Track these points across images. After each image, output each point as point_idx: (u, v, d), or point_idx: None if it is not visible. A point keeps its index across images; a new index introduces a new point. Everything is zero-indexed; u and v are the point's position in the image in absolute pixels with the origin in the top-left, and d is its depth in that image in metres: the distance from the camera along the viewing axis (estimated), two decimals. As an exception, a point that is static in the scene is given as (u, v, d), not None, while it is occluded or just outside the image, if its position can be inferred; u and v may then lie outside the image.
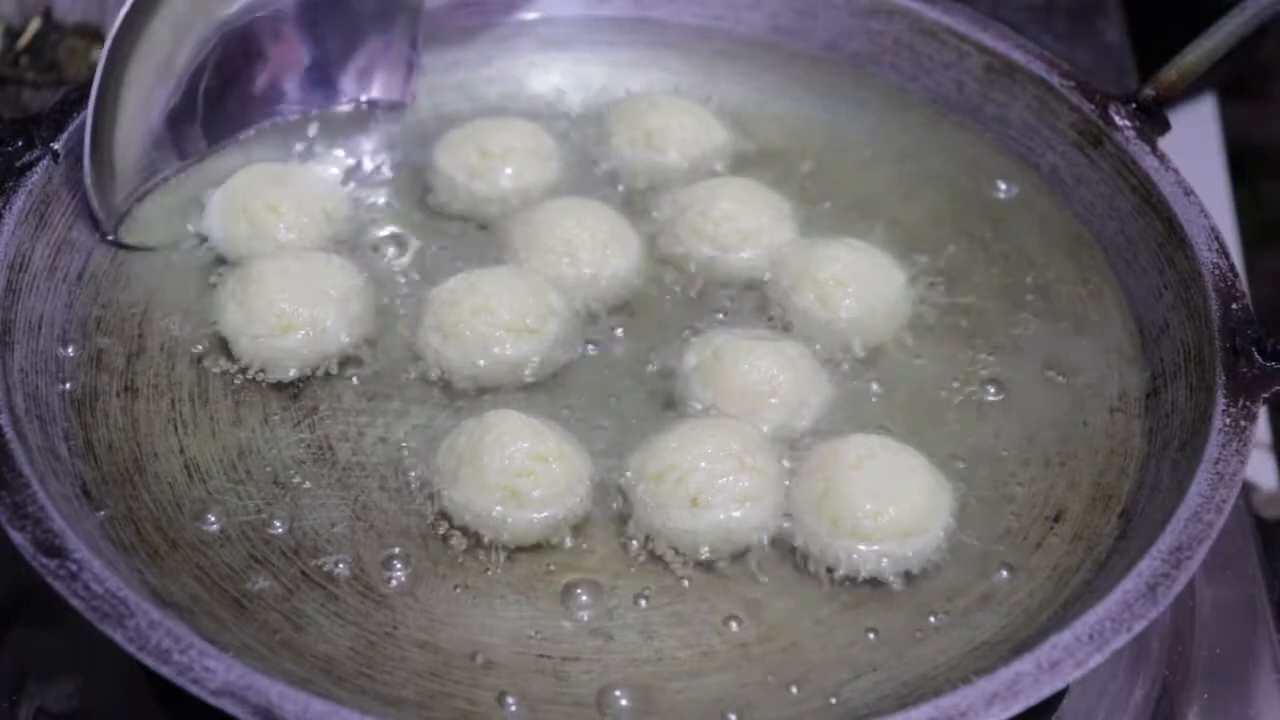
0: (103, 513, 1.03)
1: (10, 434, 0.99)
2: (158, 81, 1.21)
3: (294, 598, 1.00)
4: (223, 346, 1.15)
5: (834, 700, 0.97)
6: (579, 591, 1.02)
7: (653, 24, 1.44)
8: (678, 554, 1.04)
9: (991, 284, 1.25)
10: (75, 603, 0.89)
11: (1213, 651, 1.15)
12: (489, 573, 1.03)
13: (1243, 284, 1.14)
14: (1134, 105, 1.27)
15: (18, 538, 0.92)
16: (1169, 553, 0.95)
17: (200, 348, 1.15)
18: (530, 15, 1.44)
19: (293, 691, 0.86)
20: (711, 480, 1.04)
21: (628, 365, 1.17)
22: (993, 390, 1.16)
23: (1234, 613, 1.19)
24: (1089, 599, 0.96)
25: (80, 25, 1.65)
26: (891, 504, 1.03)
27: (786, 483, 1.07)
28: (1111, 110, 1.27)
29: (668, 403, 1.14)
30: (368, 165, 1.32)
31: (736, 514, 1.04)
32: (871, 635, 1.00)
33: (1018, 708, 0.88)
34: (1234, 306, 1.11)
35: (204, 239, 1.23)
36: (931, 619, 1.01)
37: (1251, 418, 1.03)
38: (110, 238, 1.20)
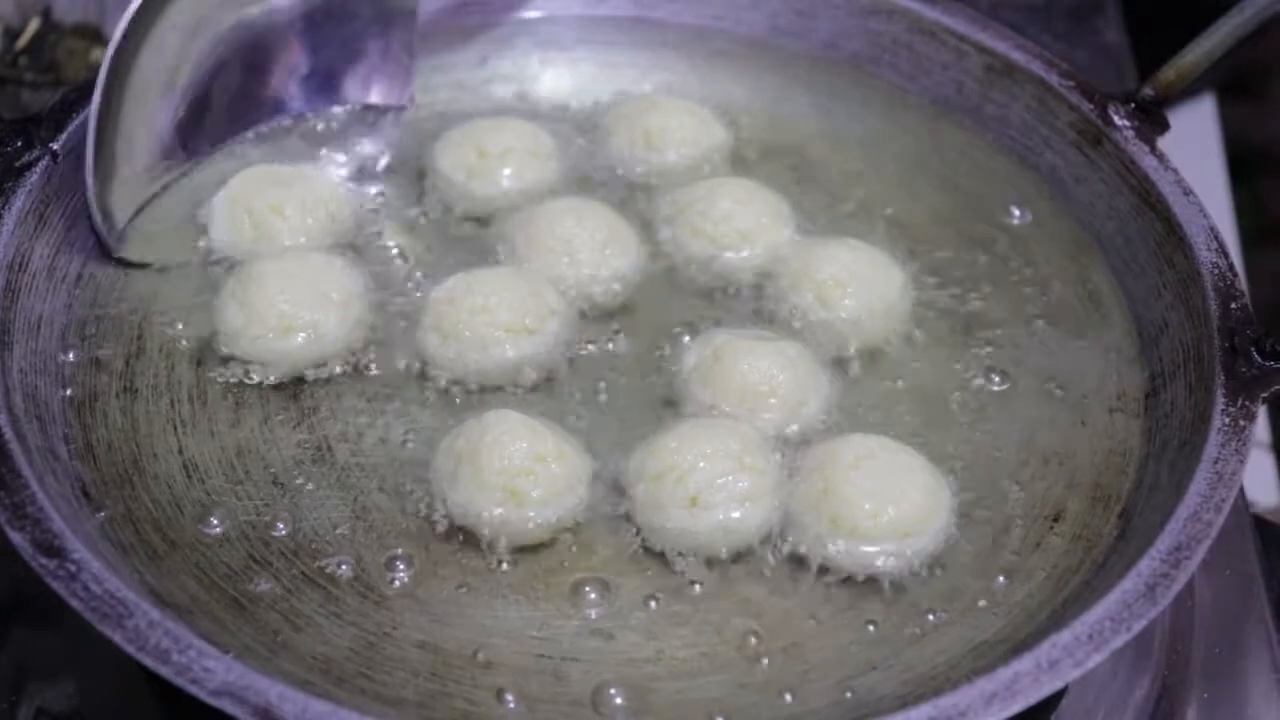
0: (102, 513, 1.03)
1: (9, 434, 0.99)
2: (160, 91, 1.21)
3: (293, 598, 1.00)
4: (222, 347, 1.15)
5: (833, 700, 0.97)
6: (578, 592, 1.02)
7: (652, 24, 1.45)
8: (677, 554, 1.04)
9: (990, 284, 1.25)
10: (74, 603, 0.89)
11: (1212, 651, 1.15)
12: (488, 573, 1.03)
13: (1242, 284, 1.14)
14: (1133, 105, 1.27)
15: (17, 538, 0.92)
16: (1168, 552, 0.95)
17: (200, 349, 1.15)
18: (530, 15, 1.44)
19: (292, 692, 0.86)
20: (711, 480, 1.04)
21: (627, 365, 1.17)
22: (991, 390, 1.16)
23: (1233, 612, 1.18)
24: (1088, 599, 0.96)
25: (79, 25, 1.65)
26: (890, 504, 1.03)
27: (786, 483, 1.07)
28: (1111, 110, 1.27)
29: (667, 403, 1.14)
30: (367, 166, 1.32)
31: (736, 514, 1.04)
32: (871, 635, 1.00)
33: (1017, 707, 0.88)
34: (1233, 306, 1.11)
35: (208, 254, 1.22)
36: (930, 618, 1.01)
37: (1251, 417, 1.03)
38: (115, 255, 1.19)
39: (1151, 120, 1.26)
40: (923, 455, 1.08)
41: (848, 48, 1.41)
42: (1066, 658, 0.90)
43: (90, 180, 1.16)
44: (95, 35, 1.65)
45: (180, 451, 1.09)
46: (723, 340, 1.15)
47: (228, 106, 1.28)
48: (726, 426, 1.08)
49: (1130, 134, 1.25)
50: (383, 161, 1.33)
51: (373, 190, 1.30)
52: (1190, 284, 1.15)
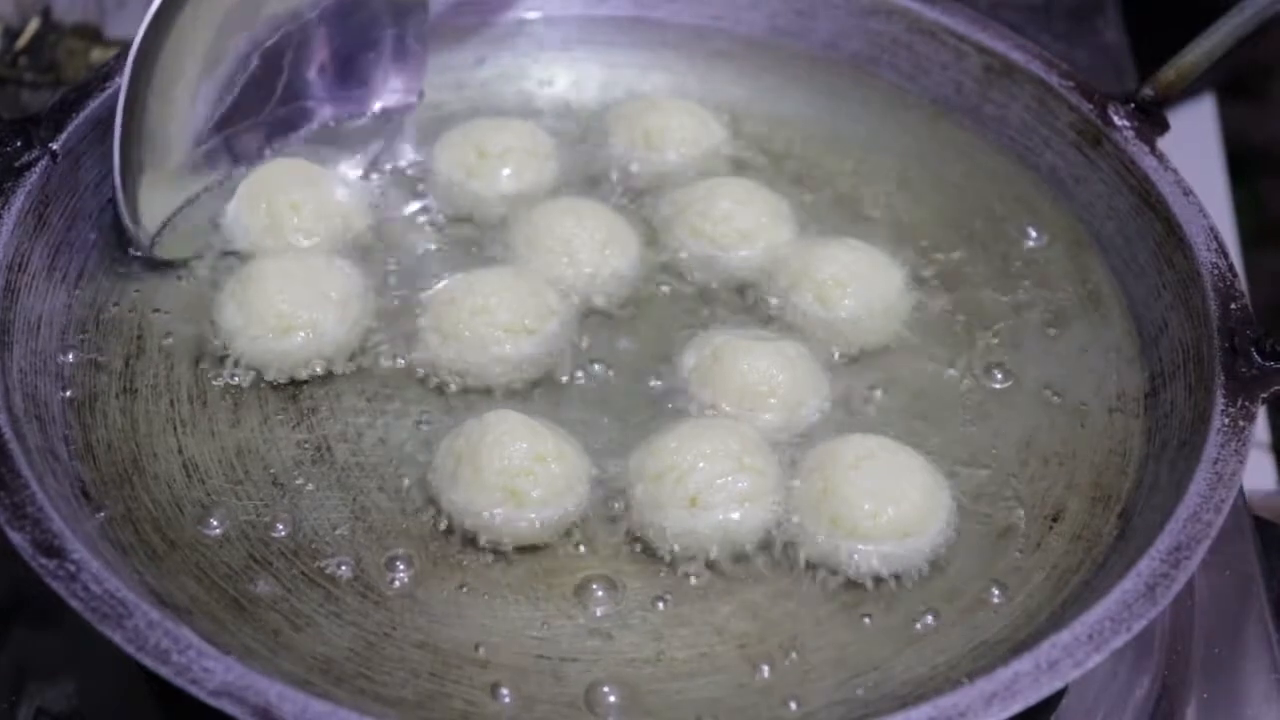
0: (102, 513, 1.03)
1: (9, 434, 0.98)
2: (183, 89, 1.21)
3: (293, 598, 1.00)
4: (222, 347, 1.15)
5: (833, 700, 0.97)
6: (578, 592, 1.02)
7: (652, 24, 1.45)
8: (676, 554, 1.04)
9: (990, 284, 1.25)
10: (74, 603, 0.89)
11: (1211, 651, 1.15)
12: (488, 573, 1.03)
13: (1241, 284, 1.14)
14: (1133, 105, 1.27)
15: (17, 538, 0.92)
16: (1168, 552, 0.95)
17: (199, 349, 1.15)
18: (530, 15, 1.44)
19: (291, 692, 0.86)
20: (710, 480, 1.04)
21: (627, 365, 1.17)
22: (991, 389, 1.16)
23: (1233, 612, 1.18)
24: (1088, 599, 0.96)
25: (79, 26, 1.65)
26: (890, 504, 1.03)
27: (785, 483, 1.07)
28: (1110, 110, 1.27)
29: (667, 403, 1.14)
30: (366, 166, 1.32)
31: (735, 514, 1.04)
32: (870, 635, 1.00)
33: (1017, 707, 0.88)
34: (1233, 306, 1.11)
35: (222, 242, 1.23)
36: (930, 619, 1.01)
37: (1250, 417, 1.03)
38: (145, 254, 1.19)
39: (1151, 120, 1.26)
40: (922, 455, 1.08)
41: (848, 48, 1.41)
42: (1066, 658, 0.90)
43: (119, 178, 1.15)
44: (95, 35, 1.65)
45: (180, 451, 1.09)
46: (722, 340, 1.15)
47: (254, 105, 1.27)
48: (726, 426, 1.08)
49: (1130, 134, 1.25)
50: (381, 161, 1.32)
51: (371, 190, 1.30)
52: (1190, 284, 1.15)
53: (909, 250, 1.27)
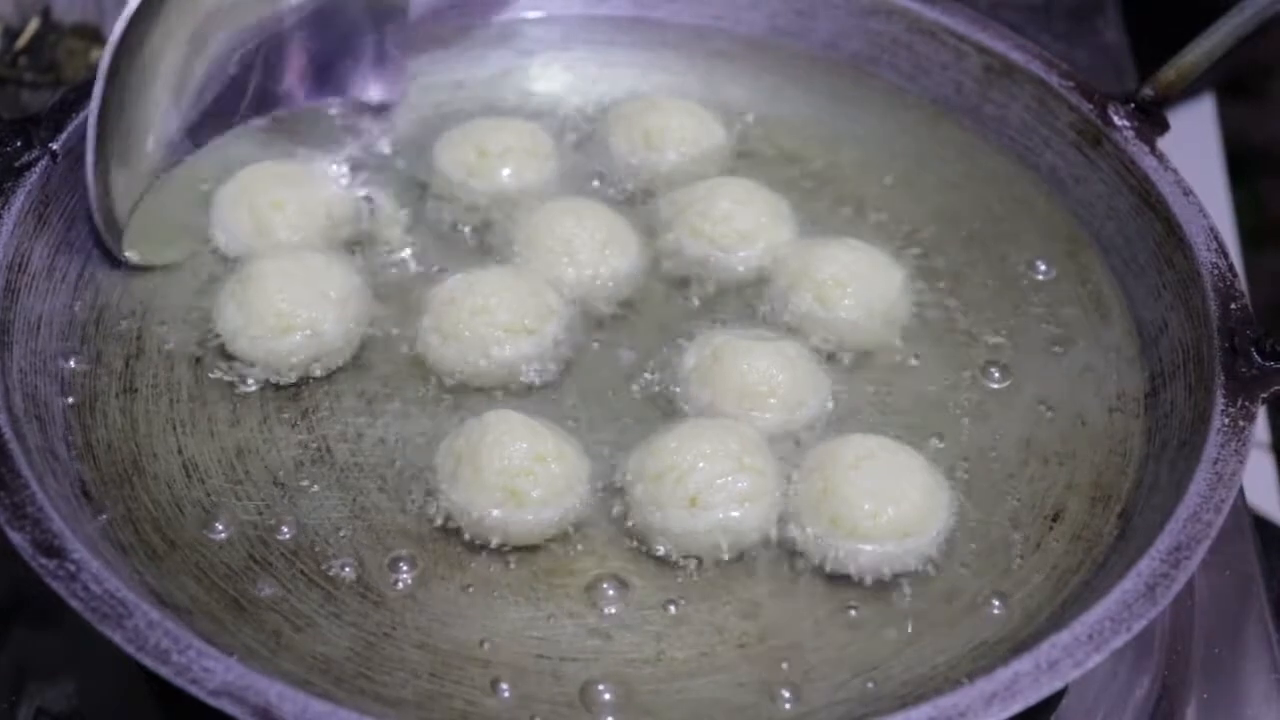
0: (102, 513, 1.03)
1: (9, 434, 0.99)
2: (159, 90, 1.21)
3: (293, 598, 1.00)
4: (221, 347, 1.15)
5: (833, 700, 0.97)
6: (578, 592, 1.02)
7: (652, 24, 1.44)
8: (677, 554, 1.04)
9: (990, 284, 1.25)
10: (74, 603, 0.89)
11: (1211, 651, 1.15)
12: (488, 573, 1.03)
13: (1241, 284, 1.14)
14: (1133, 105, 1.27)
15: (17, 538, 0.92)
16: (1168, 553, 0.95)
17: (199, 348, 1.15)
18: (530, 15, 1.44)
19: (291, 692, 0.86)
20: (710, 480, 1.04)
21: (627, 365, 1.17)
22: (991, 389, 1.16)
23: (1233, 612, 1.19)
24: (1088, 599, 0.96)
25: (79, 26, 1.65)
26: (890, 504, 1.03)
27: (785, 483, 1.07)
28: (1110, 110, 1.27)
29: (667, 403, 1.14)
30: (366, 166, 1.32)
31: (735, 514, 1.04)
32: (870, 635, 1.00)
33: (1017, 707, 0.88)
34: (1233, 306, 1.11)
35: (210, 249, 1.23)
36: (930, 619, 1.01)
37: (1250, 417, 1.03)
38: (120, 257, 1.19)
39: (1151, 120, 1.26)
40: (922, 455, 1.08)
41: (847, 48, 1.41)
42: (1066, 658, 0.90)
43: (92, 184, 1.15)
44: (95, 35, 1.65)
45: (180, 451, 1.09)
46: (722, 340, 1.15)
47: (226, 105, 1.28)
48: (726, 426, 1.08)
49: (1130, 134, 1.25)
50: (381, 161, 1.32)
51: (371, 190, 1.30)
52: (1190, 284, 1.15)
53: (909, 250, 1.27)
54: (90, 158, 1.15)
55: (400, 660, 0.98)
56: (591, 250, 1.22)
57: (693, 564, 1.04)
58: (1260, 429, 1.63)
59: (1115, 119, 1.26)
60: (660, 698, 0.97)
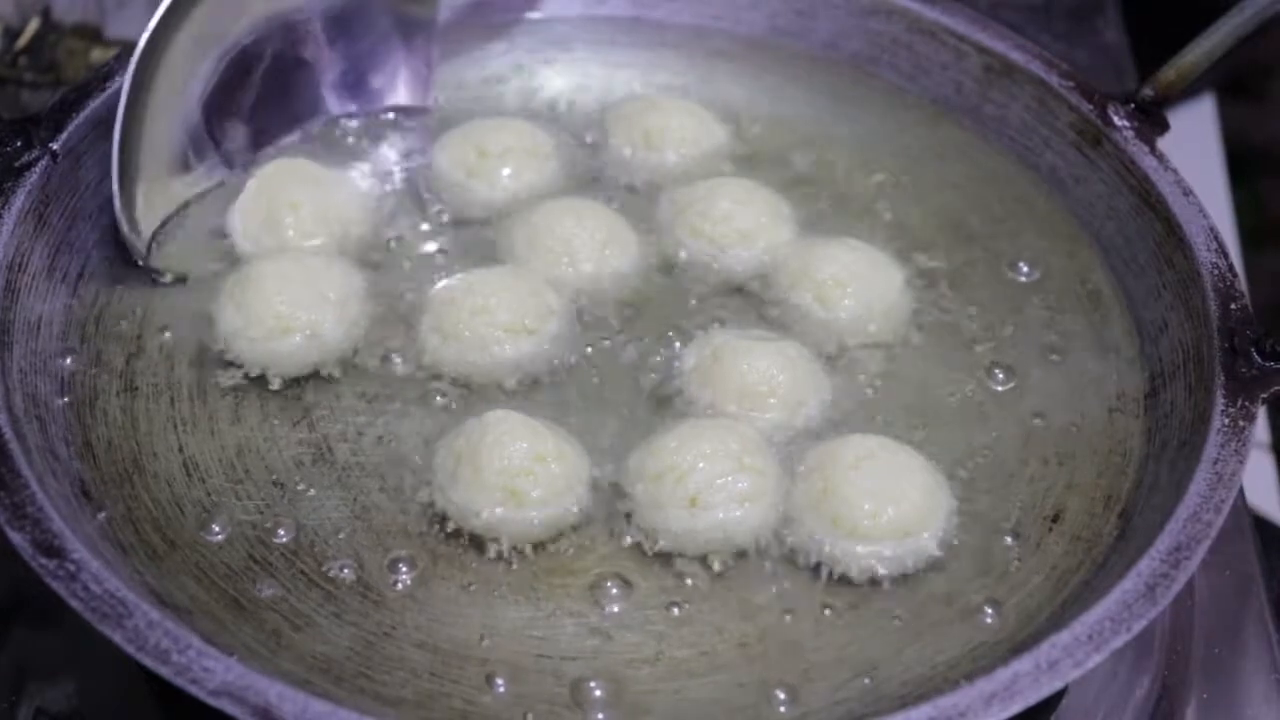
0: (102, 513, 1.03)
1: (9, 434, 0.99)
2: (181, 100, 1.21)
3: (293, 598, 1.00)
4: (221, 348, 1.15)
5: (833, 700, 0.97)
6: (578, 592, 1.02)
7: (652, 24, 1.45)
8: (677, 554, 1.04)
9: (990, 284, 1.25)
10: (74, 603, 0.89)
11: (1211, 651, 1.15)
12: (488, 573, 1.03)
13: (1241, 284, 1.14)
14: (1133, 105, 1.27)
15: (17, 538, 0.92)
16: (1168, 553, 0.95)
17: (200, 348, 1.15)
18: (530, 15, 1.44)
19: (291, 691, 0.86)
20: (710, 480, 1.04)
21: (627, 365, 1.17)
22: (991, 389, 1.16)
23: (1233, 612, 1.19)
24: (1088, 599, 0.96)
25: (79, 26, 1.65)
26: (890, 504, 1.03)
27: (785, 483, 1.07)
28: (1110, 110, 1.27)
29: (667, 403, 1.14)
30: (368, 166, 1.32)
31: (735, 514, 1.04)
32: (870, 635, 1.00)
33: (1016, 708, 0.88)
34: (1233, 306, 1.11)
35: (229, 250, 1.23)
36: (930, 619, 1.01)
37: (1250, 418, 1.03)
38: (145, 265, 1.19)
39: (1151, 120, 1.26)
40: (922, 455, 1.08)
41: (847, 48, 1.41)
42: (1066, 658, 0.90)
43: (116, 188, 1.15)
44: (95, 35, 1.65)
45: (180, 451, 1.09)
46: (722, 340, 1.15)
47: (253, 114, 1.28)
48: (726, 426, 1.08)
49: (1130, 134, 1.25)
50: (381, 161, 1.32)
51: (383, 192, 1.30)
52: (1190, 284, 1.15)
53: (909, 250, 1.26)
54: (115, 166, 1.15)
55: (400, 659, 0.98)
56: (591, 250, 1.22)
57: (693, 564, 1.04)
58: (1260, 429, 1.63)
59: (1115, 119, 1.26)
60: (660, 698, 0.97)
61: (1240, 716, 1.12)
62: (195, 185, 1.25)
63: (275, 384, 1.13)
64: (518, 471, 1.04)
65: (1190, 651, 1.15)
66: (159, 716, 1.07)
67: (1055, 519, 1.08)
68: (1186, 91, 1.29)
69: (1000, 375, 1.17)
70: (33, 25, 1.64)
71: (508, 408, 1.09)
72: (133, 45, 1.17)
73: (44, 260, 1.15)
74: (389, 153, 1.33)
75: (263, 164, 1.27)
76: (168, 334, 1.16)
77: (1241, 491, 1.21)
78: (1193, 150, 1.81)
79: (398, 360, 1.16)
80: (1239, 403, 1.04)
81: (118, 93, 1.18)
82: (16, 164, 1.15)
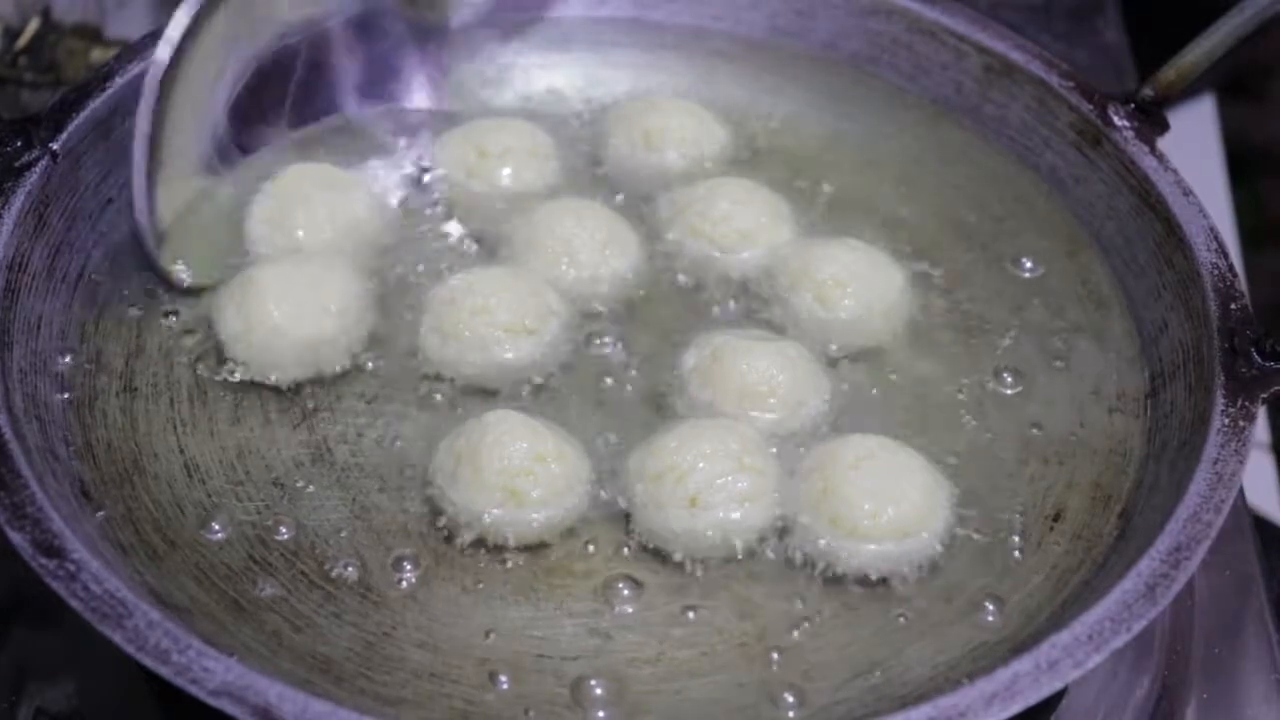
0: (102, 513, 1.03)
1: (9, 434, 0.98)
2: (201, 110, 1.20)
3: (293, 598, 1.00)
4: (222, 350, 1.15)
5: (833, 700, 0.97)
6: (578, 592, 1.02)
7: (652, 24, 1.44)
8: (677, 554, 1.04)
9: (990, 284, 1.25)
10: (74, 603, 0.89)
11: (1211, 651, 1.15)
12: (488, 573, 1.03)
13: (1241, 284, 1.13)
14: (1133, 105, 1.27)
15: (16, 538, 0.92)
16: (1168, 553, 0.95)
17: (200, 349, 1.15)
18: (530, 16, 1.44)
19: (291, 692, 0.86)
20: (710, 480, 1.04)
21: (627, 365, 1.17)
22: (991, 389, 1.16)
23: (1233, 613, 1.19)
24: (1088, 599, 0.96)
25: (79, 26, 1.65)
26: (890, 504, 1.03)
27: (785, 483, 1.07)
28: (1110, 110, 1.27)
29: (667, 403, 1.14)
30: (377, 168, 1.32)
31: (735, 514, 1.04)
32: (870, 635, 1.00)
33: (1017, 708, 0.88)
34: (1233, 306, 1.11)
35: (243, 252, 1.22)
36: (930, 619, 1.01)
37: (1250, 418, 1.03)
38: (169, 279, 1.18)
39: (1151, 120, 1.26)
40: (922, 455, 1.08)
41: (847, 48, 1.41)
42: (1066, 658, 0.90)
43: (143, 198, 1.15)
44: (95, 35, 1.65)
45: (180, 451, 1.09)
46: (722, 340, 1.15)
47: (272, 118, 1.27)
48: (726, 426, 1.08)
49: (1130, 134, 1.25)
50: (394, 164, 1.32)
51: (383, 192, 1.30)
52: (1190, 284, 1.15)
53: (909, 250, 1.26)
54: (139, 181, 1.15)
55: (400, 660, 0.98)
56: (591, 250, 1.22)
57: (693, 564, 1.04)
58: (1260, 429, 1.63)
59: (1115, 119, 1.26)
60: (660, 698, 0.97)
61: (1240, 716, 1.12)
62: (214, 190, 1.24)
63: (275, 385, 1.13)
64: (518, 472, 1.04)
65: (1190, 651, 1.15)
66: (159, 716, 1.07)
67: (1055, 519, 1.08)
68: (1186, 91, 1.29)
69: (1000, 375, 1.17)
70: (33, 25, 1.64)
71: (508, 408, 1.09)
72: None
73: (44, 260, 1.14)
74: (397, 155, 1.33)
75: (280, 168, 1.26)
76: (168, 335, 1.16)
77: (1241, 491, 1.21)
78: (1193, 150, 1.81)
79: (398, 361, 1.16)
80: (1239, 403, 1.04)
81: (118, 93, 1.18)
82: (16, 164, 1.15)
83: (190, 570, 1.01)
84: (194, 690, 0.85)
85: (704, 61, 1.43)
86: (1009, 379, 1.17)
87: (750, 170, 1.33)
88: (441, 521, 1.05)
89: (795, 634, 1.00)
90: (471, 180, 1.29)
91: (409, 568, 1.03)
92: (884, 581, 1.03)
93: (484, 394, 1.14)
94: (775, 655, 0.99)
